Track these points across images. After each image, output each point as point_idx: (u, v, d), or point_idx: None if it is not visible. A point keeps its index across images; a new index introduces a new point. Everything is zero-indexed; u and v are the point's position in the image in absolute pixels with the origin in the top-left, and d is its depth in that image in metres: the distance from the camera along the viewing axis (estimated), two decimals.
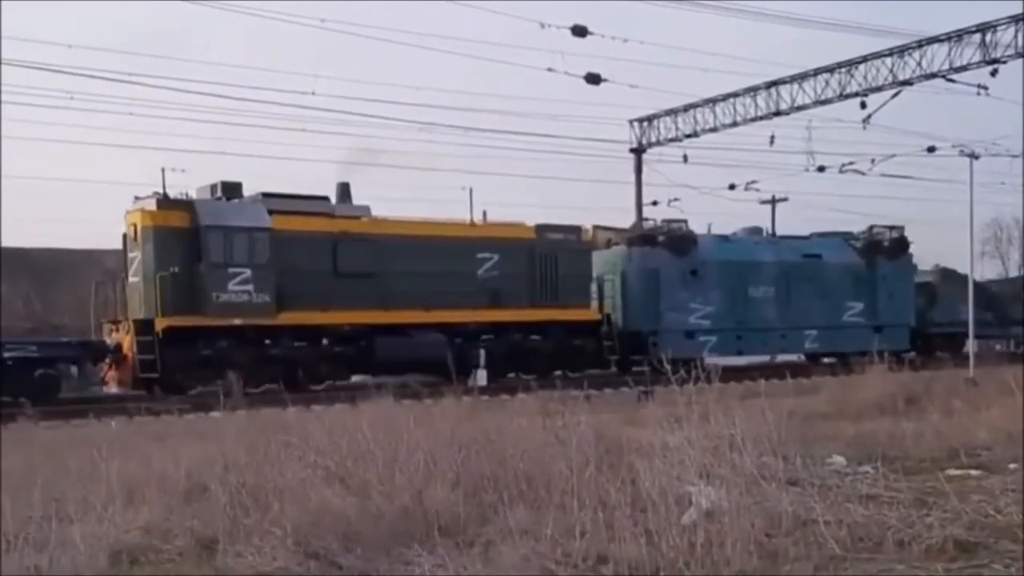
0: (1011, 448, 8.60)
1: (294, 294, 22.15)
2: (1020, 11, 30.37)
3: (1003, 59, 31.00)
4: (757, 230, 32.74)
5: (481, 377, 23.91)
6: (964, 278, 37.36)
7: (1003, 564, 5.05)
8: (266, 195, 22.99)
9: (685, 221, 29.72)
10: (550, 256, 26.15)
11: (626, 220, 35.17)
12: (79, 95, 26.70)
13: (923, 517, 5.83)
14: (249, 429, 10.59)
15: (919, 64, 32.58)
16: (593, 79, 34.46)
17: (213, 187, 22.62)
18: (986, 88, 32.15)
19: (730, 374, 20.95)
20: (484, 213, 26.00)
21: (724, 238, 30.86)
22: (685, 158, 38.41)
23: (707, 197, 39.39)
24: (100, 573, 5.97)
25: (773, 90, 35.83)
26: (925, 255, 43.84)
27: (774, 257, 30.55)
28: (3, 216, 52.44)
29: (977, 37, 31.31)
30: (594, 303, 26.99)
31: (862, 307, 31.82)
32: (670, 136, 38.86)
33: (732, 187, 40.38)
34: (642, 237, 28.76)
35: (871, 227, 33.88)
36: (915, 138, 38.04)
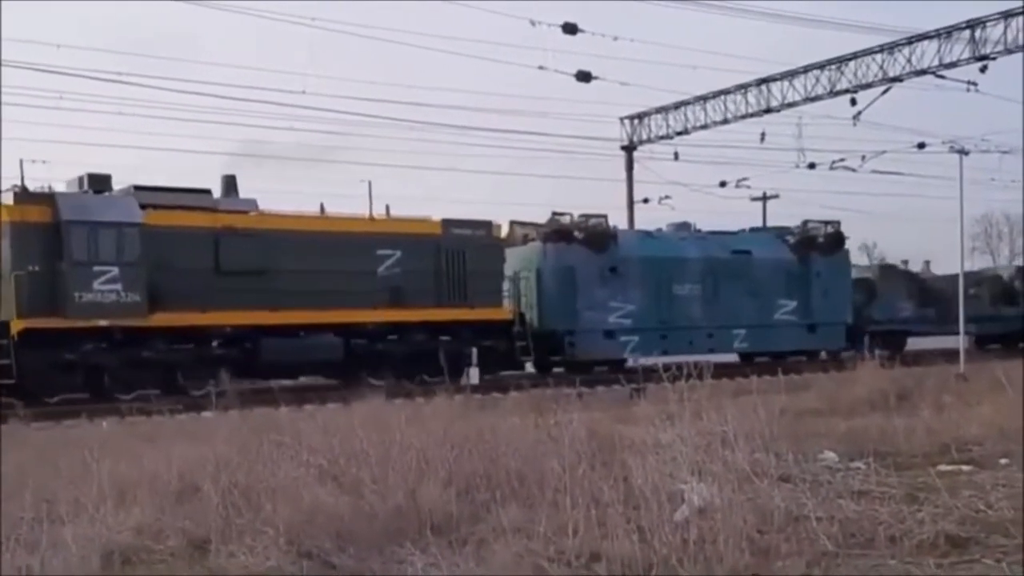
0: (1002, 443, 8.63)
1: (170, 293, 20.77)
2: (1009, 7, 30.50)
3: (992, 55, 31.10)
4: (685, 226, 31.39)
5: (473, 376, 23.84)
6: (904, 274, 37.25)
7: (994, 559, 5.06)
8: (138, 188, 21.56)
9: (605, 216, 28.51)
10: (458, 253, 24.73)
11: (620, 218, 35.27)
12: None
13: (914, 513, 5.85)
14: (241, 429, 10.57)
15: (909, 61, 32.71)
16: (584, 77, 34.51)
17: (80, 180, 21.19)
18: (976, 84, 32.29)
19: (721, 371, 20.99)
20: (387, 208, 24.77)
21: (647, 234, 29.99)
22: (676, 155, 38.51)
23: (698, 194, 39.51)
24: (92, 574, 5.96)
25: (764, 87, 35.92)
26: (916, 251, 43.95)
27: (700, 253, 29.32)
28: None
29: (967, 33, 31.43)
30: (507, 302, 25.68)
31: (795, 305, 30.73)
32: (661, 133, 38.96)
33: (723, 184, 40.50)
34: (557, 233, 27.41)
35: (805, 222, 32.86)
36: (905, 134, 38.26)
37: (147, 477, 8.21)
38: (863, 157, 36.60)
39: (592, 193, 65.93)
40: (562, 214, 27.91)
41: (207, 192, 22.27)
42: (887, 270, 37.11)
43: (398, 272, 23.80)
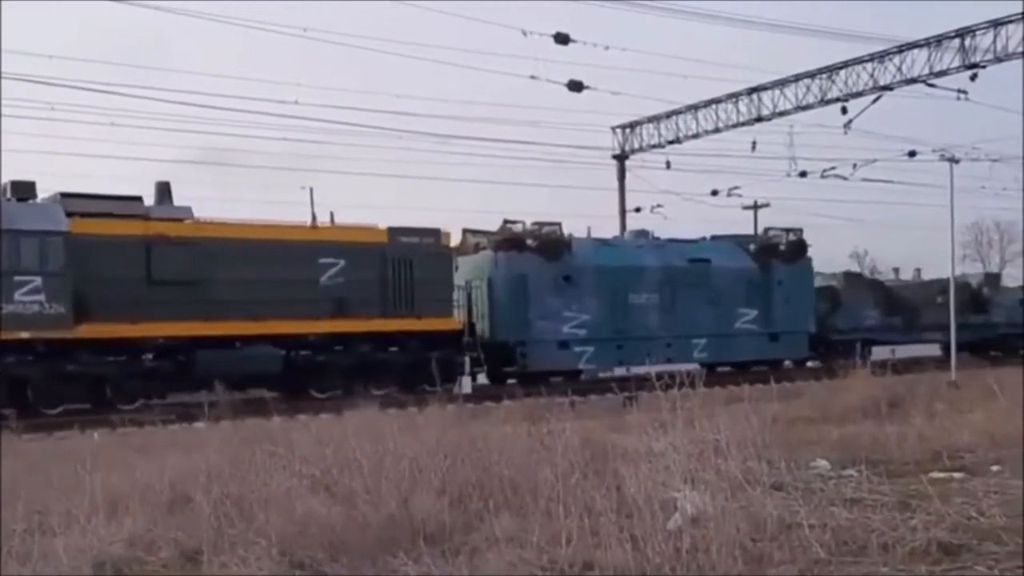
0: (993, 451, 8.66)
1: (98, 304, 20.03)
2: (999, 16, 30.65)
3: (982, 64, 31.27)
4: (643, 233, 31.09)
5: (466, 385, 23.82)
6: (870, 282, 37.08)
7: (986, 566, 5.07)
8: (65, 195, 20.96)
9: (559, 224, 27.71)
10: (404, 261, 24.08)
11: (611, 227, 35.32)
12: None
13: (907, 520, 5.86)
14: (233, 439, 10.56)
15: (899, 69, 32.86)
16: (576, 86, 34.62)
17: (3, 187, 20.51)
18: (966, 93, 32.43)
19: (713, 379, 21.01)
20: (332, 215, 24.16)
21: (603, 242, 29.30)
22: (668, 164, 38.65)
23: (690, 203, 39.57)
24: None
25: (755, 96, 36.06)
26: (907, 259, 44.08)
27: (657, 262, 28.80)
28: None
29: (956, 42, 31.59)
30: (457, 312, 25.09)
31: (756, 314, 30.23)
32: (653, 142, 39.11)
33: (715, 193, 40.64)
34: (508, 241, 26.68)
35: (766, 230, 32.66)
36: (896, 143, 38.35)
37: (139, 488, 8.20)
38: (854, 165, 36.80)
39: (584, 202, 66.11)
40: (514, 222, 27.32)
41: (138, 200, 21.63)
42: (852, 278, 36.72)
43: (342, 281, 23.21)
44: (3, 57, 36.42)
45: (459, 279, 25.76)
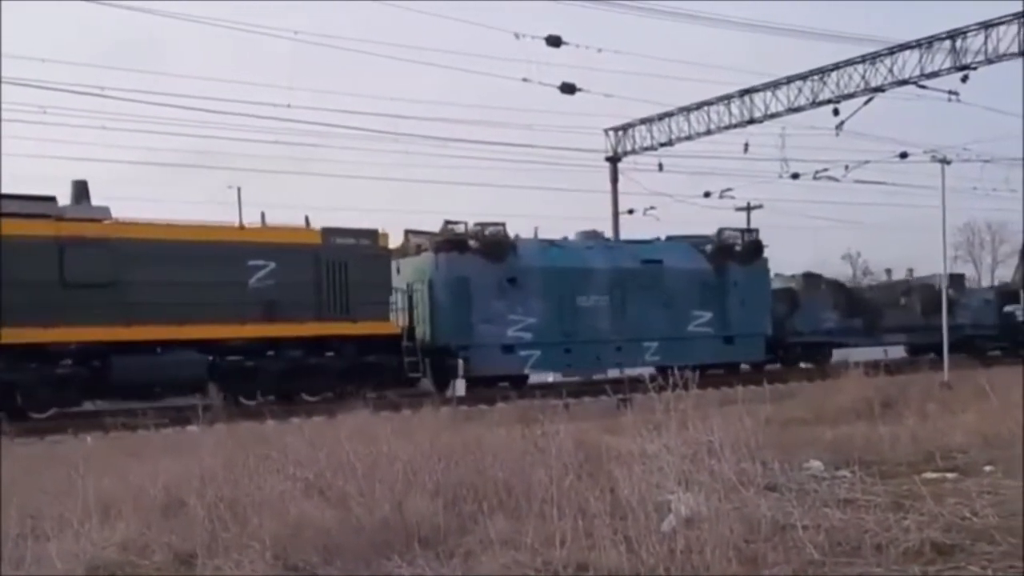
0: (986, 451, 8.67)
1: (6, 309, 19.23)
2: (989, 17, 30.78)
3: (973, 65, 31.36)
4: (594, 234, 30.25)
5: (460, 387, 23.79)
6: (831, 283, 36.61)
7: (980, 566, 5.08)
8: None
9: (503, 225, 26.91)
10: (339, 264, 23.36)
11: (606, 229, 35.33)
12: None
13: (900, 520, 5.86)
14: (227, 442, 10.54)
15: (890, 71, 32.94)
16: (568, 89, 34.67)
17: None
18: (957, 94, 32.52)
19: (707, 381, 21.02)
20: (263, 215, 23.29)
21: (550, 243, 28.26)
22: (660, 166, 38.69)
23: (683, 205, 39.66)
24: None
25: (747, 98, 36.11)
26: (900, 260, 44.16)
27: (607, 263, 28.10)
28: None
29: (947, 44, 31.67)
30: (395, 315, 24.44)
31: (711, 316, 29.56)
32: (645, 145, 39.13)
33: (707, 195, 40.73)
34: (449, 242, 25.94)
35: (720, 230, 31.94)
36: (888, 144, 38.47)
37: (132, 492, 8.18)
38: (846, 167, 36.91)
39: (578, 205, 66.20)
40: (456, 222, 26.55)
41: (51, 199, 20.74)
42: (810, 279, 36.10)
43: (272, 284, 22.42)
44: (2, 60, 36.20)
45: (401, 282, 25.19)
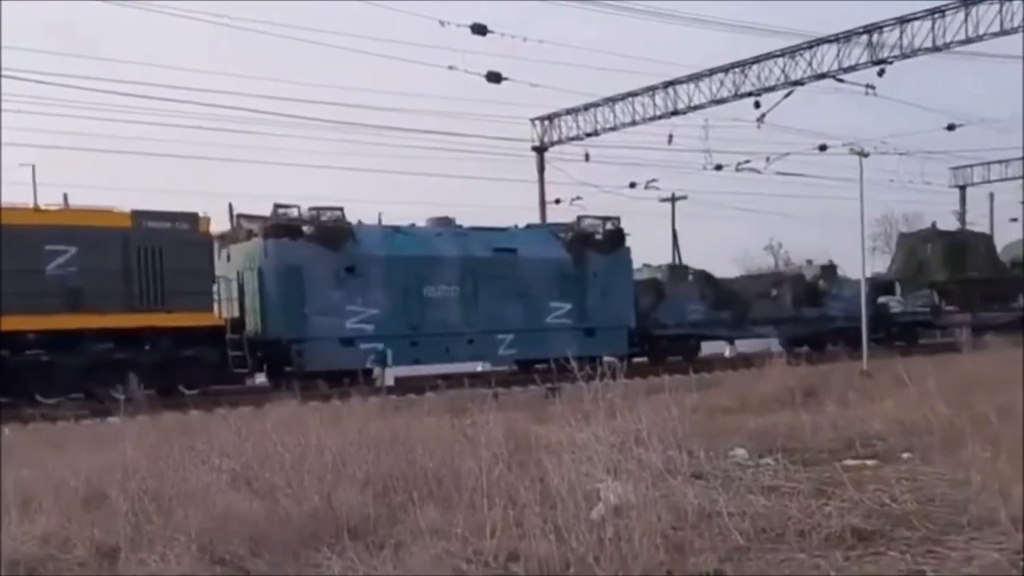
0: (904, 438, 8.88)
1: None
2: (904, 13, 31.53)
3: (889, 59, 32.10)
4: (445, 221, 28.44)
5: (388, 377, 23.64)
6: (698, 275, 36.44)
7: (899, 551, 5.21)
8: None
9: (341, 209, 25.47)
10: (153, 249, 21.62)
11: (533, 219, 35.41)
12: None
13: (822, 507, 5.98)
14: (150, 434, 10.37)
15: (810, 64, 33.58)
16: (494, 77, 34.69)
17: None
18: (873, 88, 33.27)
19: (634, 370, 21.19)
20: (65, 196, 21.39)
21: (395, 229, 26.65)
22: (587, 157, 38.93)
23: (609, 195, 39.92)
24: None
25: (671, 89, 36.49)
26: (820, 251, 45.01)
27: (457, 251, 26.78)
28: None
29: (864, 38, 32.37)
30: (222, 306, 22.96)
31: (570, 307, 28.43)
32: (571, 135, 39.33)
33: (633, 185, 41.09)
34: (281, 227, 24.31)
35: (579, 218, 30.76)
36: (808, 137, 39.19)
37: (52, 484, 8.01)
38: (767, 159, 37.54)
39: (505, 194, 66.21)
40: (288, 206, 24.91)
41: None
42: (676, 270, 35.60)
43: (74, 271, 20.61)
44: None
45: (230, 270, 23.86)
